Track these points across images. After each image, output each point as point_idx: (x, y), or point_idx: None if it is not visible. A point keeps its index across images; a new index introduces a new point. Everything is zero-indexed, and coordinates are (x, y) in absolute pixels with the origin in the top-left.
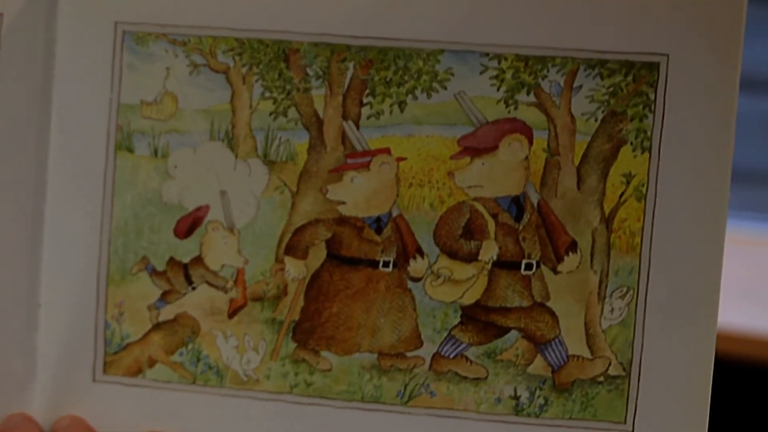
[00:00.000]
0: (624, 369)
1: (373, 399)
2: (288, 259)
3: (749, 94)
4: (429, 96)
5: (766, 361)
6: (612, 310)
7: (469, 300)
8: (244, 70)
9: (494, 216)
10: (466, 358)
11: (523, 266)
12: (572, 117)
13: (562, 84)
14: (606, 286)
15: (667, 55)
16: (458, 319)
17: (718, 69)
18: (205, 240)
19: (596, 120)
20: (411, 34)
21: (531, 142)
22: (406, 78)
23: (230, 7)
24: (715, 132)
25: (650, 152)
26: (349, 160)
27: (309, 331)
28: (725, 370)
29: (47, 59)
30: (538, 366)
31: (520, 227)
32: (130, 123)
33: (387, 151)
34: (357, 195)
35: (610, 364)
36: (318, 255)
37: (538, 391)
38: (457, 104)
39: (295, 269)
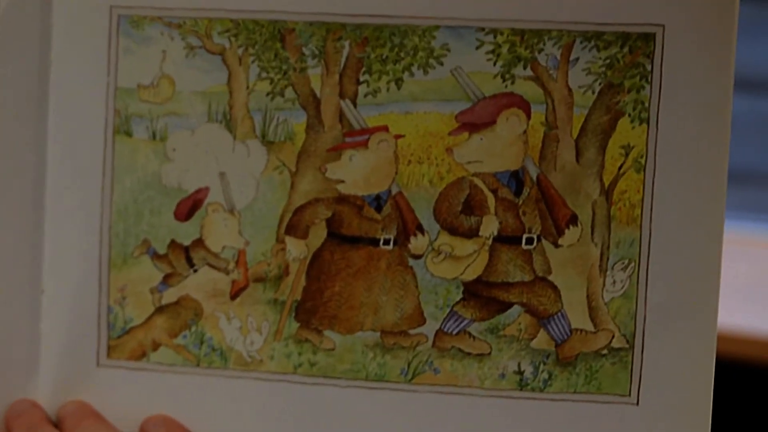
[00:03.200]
0: (627, 341)
1: (377, 377)
2: (289, 239)
3: (749, 94)
4: (426, 72)
5: (766, 361)
6: (614, 283)
7: (470, 276)
8: (240, 51)
9: (494, 191)
10: (469, 334)
11: (523, 241)
12: (569, 90)
13: (558, 57)
14: (607, 259)
15: (663, 26)
16: (460, 296)
17: (714, 38)
18: (205, 222)
19: (593, 92)
20: (406, 11)
21: (529, 116)
22: (402, 55)
23: None
24: (712, 101)
25: (648, 123)
26: (347, 139)
27: (311, 311)
28: (726, 371)
29: (44, 45)
30: (541, 340)
31: (520, 202)
32: (128, 107)
33: (385, 128)
34: (356, 173)
35: (613, 337)
36: (318, 234)
37: (542, 366)
38: (453, 80)
39: (296, 249)
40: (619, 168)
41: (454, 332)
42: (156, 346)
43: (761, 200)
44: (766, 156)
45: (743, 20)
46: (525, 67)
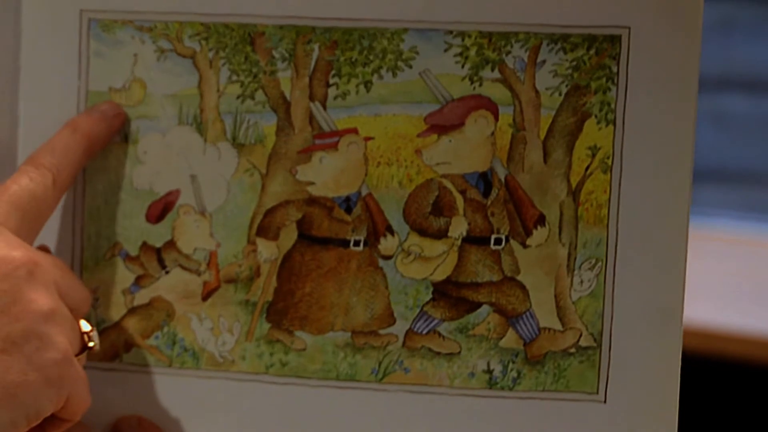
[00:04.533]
0: (595, 340)
1: (348, 377)
2: (260, 241)
3: (749, 94)
4: (394, 75)
5: (766, 361)
6: (581, 282)
7: (440, 276)
8: (210, 54)
9: (462, 192)
10: (439, 334)
11: (492, 241)
12: (537, 92)
13: (525, 59)
14: (575, 259)
15: (629, 28)
16: (430, 296)
17: (679, 40)
18: (177, 224)
19: (560, 94)
20: (375, 14)
21: (497, 118)
22: (371, 58)
23: None
24: (677, 102)
25: (614, 124)
26: (317, 141)
27: (283, 312)
28: (726, 371)
29: (12, 48)
30: (510, 339)
31: (489, 202)
32: None
33: (354, 130)
34: (326, 175)
35: (581, 336)
36: (289, 236)
37: (510, 365)
38: (422, 82)
39: (267, 250)
40: (586, 169)
41: (424, 332)
42: (128, 347)
43: (762, 199)
44: (766, 156)
45: (744, 20)
46: (493, 70)
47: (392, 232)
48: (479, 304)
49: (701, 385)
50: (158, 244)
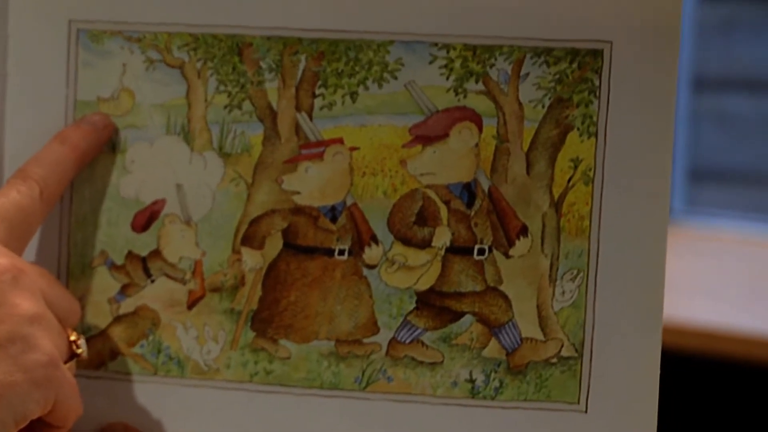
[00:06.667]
0: (576, 350)
1: (331, 385)
2: (245, 250)
3: (749, 94)
4: (380, 86)
5: (765, 361)
6: (563, 293)
7: (423, 286)
8: (198, 64)
9: (446, 203)
10: (422, 343)
11: (475, 251)
12: (520, 104)
13: (509, 72)
14: (557, 269)
15: (611, 42)
16: (413, 305)
17: (659, 54)
18: (162, 233)
19: (543, 107)
20: (361, 26)
21: (481, 130)
22: (357, 69)
23: (184, 3)
24: (657, 116)
25: (596, 137)
26: (303, 151)
27: (267, 320)
28: (726, 371)
29: None
30: (492, 349)
31: (472, 213)
32: None
33: (340, 141)
34: (311, 185)
35: (562, 346)
36: (275, 245)
37: (493, 374)
38: (407, 94)
39: (252, 259)
40: (568, 180)
41: (408, 341)
42: (114, 355)
43: (761, 200)
44: (767, 156)
45: (744, 20)
46: (477, 82)
47: (377, 242)
48: (462, 314)
49: (700, 385)
50: (144, 253)
